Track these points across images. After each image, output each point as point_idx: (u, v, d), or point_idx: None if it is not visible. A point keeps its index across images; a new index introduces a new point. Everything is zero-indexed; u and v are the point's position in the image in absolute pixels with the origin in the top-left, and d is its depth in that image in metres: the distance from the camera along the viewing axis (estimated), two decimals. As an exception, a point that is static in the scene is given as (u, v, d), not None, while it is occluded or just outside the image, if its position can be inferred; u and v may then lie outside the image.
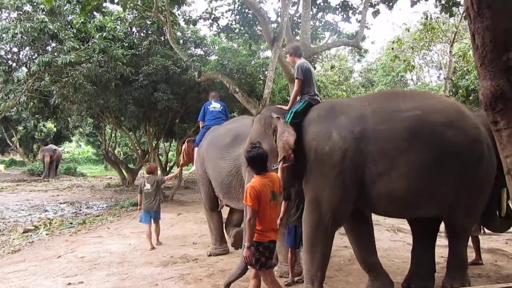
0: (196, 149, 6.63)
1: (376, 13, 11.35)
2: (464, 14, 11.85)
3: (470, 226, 4.09)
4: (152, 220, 6.75)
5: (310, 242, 4.04)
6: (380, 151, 3.70)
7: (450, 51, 15.63)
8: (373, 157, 3.71)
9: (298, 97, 4.52)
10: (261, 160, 3.58)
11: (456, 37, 15.54)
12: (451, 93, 16.41)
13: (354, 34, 12.21)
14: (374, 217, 6.04)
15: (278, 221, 4.76)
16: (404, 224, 7.87)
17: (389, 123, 3.73)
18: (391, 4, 11.05)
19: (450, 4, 10.26)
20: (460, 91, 16.09)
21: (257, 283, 3.60)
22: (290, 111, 4.30)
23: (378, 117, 3.80)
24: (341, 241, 6.92)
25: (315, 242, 3.99)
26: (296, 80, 4.47)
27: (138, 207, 7.04)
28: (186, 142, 7.24)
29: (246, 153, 3.69)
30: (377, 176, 3.72)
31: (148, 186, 6.76)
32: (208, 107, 6.71)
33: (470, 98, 15.61)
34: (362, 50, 13.98)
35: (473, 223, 4.11)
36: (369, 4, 10.87)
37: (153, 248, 6.55)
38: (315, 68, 16.73)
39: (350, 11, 12.19)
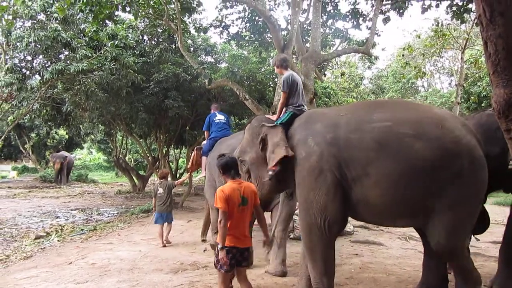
0: (203, 157, 6.94)
1: (386, 20, 11.32)
2: (475, 21, 11.80)
3: (459, 240, 3.81)
4: (165, 221, 7.42)
5: (309, 248, 4.03)
6: (351, 158, 3.74)
7: (461, 58, 15.55)
8: (346, 163, 3.76)
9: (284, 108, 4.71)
10: (231, 166, 3.80)
11: (467, 43, 15.46)
12: (462, 100, 16.31)
13: (364, 41, 12.19)
14: (385, 225, 5.93)
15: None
16: (415, 232, 7.79)
17: (359, 133, 3.77)
18: (401, 11, 11.03)
19: (462, 10, 10.22)
20: (472, 97, 15.98)
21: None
22: (276, 122, 4.48)
23: (350, 126, 3.85)
24: (352, 249, 6.88)
25: (313, 248, 3.98)
26: (282, 93, 4.67)
27: (153, 209, 7.75)
28: (195, 149, 7.64)
29: (217, 162, 3.91)
30: (352, 182, 3.75)
31: (160, 190, 7.47)
32: (214, 119, 7.03)
33: (482, 104, 15.48)
34: (372, 57, 13.94)
35: (461, 237, 3.82)
36: (380, 11, 10.85)
37: (164, 246, 7.16)
38: (325, 75, 16.73)
39: (360, 18, 12.19)
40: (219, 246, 3.62)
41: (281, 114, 4.63)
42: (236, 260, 3.64)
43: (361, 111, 4.08)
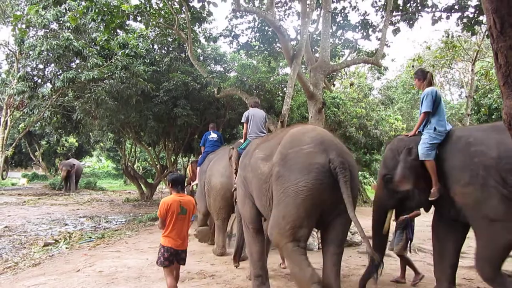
0: (198, 168, 8.32)
1: (396, 31, 11.31)
2: (486, 33, 11.74)
3: (278, 235, 4.07)
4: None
5: (247, 244, 5.24)
6: (247, 178, 4.87)
7: (472, 70, 15.46)
8: (246, 181, 4.90)
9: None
10: (177, 182, 4.59)
11: (478, 55, 15.38)
12: (473, 112, 16.20)
13: (374, 51, 12.19)
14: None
15: None
16: (424, 243, 7.72)
17: (250, 158, 4.85)
18: (411, 22, 11.02)
19: (472, 22, 10.18)
20: (482, 109, 15.85)
21: (172, 280, 4.43)
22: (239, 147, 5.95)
23: (250, 154, 4.94)
24: (359, 260, 6.81)
25: (247, 241, 5.21)
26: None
27: None
28: (190, 163, 9.59)
29: (168, 177, 4.81)
30: (251, 194, 4.84)
31: None
32: (208, 136, 8.53)
33: (493, 116, 15.36)
34: (382, 68, 13.93)
35: (279, 234, 4.04)
36: (390, 22, 10.84)
37: None
38: (334, 85, 16.75)
39: (370, 29, 12.19)
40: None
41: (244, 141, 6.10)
42: (174, 258, 4.41)
43: (271, 139, 4.99)
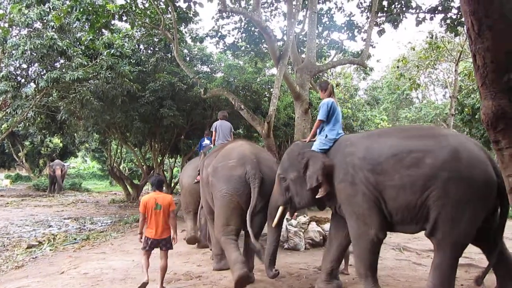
0: None
1: (381, 32, 11.41)
2: (468, 34, 11.92)
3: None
4: None
5: (209, 232, 6.49)
6: (202, 179, 6.22)
7: (455, 70, 15.69)
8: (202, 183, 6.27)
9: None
10: (153, 183, 5.44)
11: (461, 56, 15.61)
12: (456, 112, 16.40)
13: (359, 52, 12.27)
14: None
15: None
16: (409, 243, 7.80)
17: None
18: (396, 23, 11.11)
19: (456, 23, 10.32)
20: (466, 109, 16.03)
21: (145, 259, 5.16)
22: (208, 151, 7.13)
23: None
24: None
25: (210, 232, 6.35)
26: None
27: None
28: None
29: (150, 178, 5.90)
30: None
31: None
32: (202, 143, 9.11)
33: (476, 116, 15.56)
34: (367, 68, 14.02)
35: (216, 231, 5.58)
36: (375, 23, 10.94)
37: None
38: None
39: (356, 30, 12.29)
40: (139, 232, 5.32)
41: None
42: (155, 245, 5.13)
43: (217, 150, 6.15)
